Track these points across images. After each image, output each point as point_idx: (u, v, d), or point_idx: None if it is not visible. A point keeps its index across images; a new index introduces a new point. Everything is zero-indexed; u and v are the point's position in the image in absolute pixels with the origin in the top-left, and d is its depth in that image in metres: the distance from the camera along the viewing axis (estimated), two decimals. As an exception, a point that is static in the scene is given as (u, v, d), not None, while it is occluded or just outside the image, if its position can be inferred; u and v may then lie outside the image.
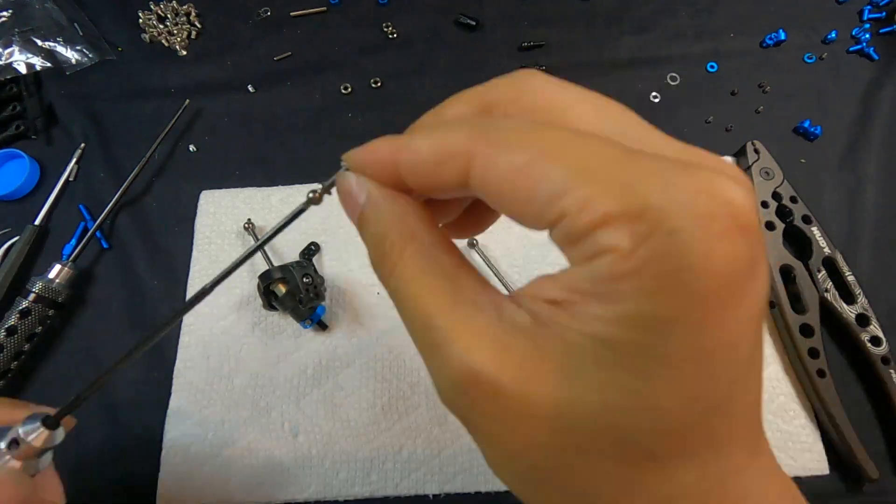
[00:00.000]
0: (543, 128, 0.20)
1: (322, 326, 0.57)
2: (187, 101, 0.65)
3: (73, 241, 0.62)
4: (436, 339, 0.20)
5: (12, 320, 0.54)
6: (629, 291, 0.17)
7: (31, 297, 0.55)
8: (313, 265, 0.58)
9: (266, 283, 0.54)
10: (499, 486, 0.51)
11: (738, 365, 0.18)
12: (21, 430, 0.31)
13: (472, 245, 0.58)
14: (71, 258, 0.58)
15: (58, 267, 0.57)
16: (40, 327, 0.55)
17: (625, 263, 0.17)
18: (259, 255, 0.58)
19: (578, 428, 0.18)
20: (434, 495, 0.51)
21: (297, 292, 0.53)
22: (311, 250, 0.60)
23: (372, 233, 0.23)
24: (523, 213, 0.19)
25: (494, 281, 0.58)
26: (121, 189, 0.61)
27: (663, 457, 0.18)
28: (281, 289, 0.54)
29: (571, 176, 0.17)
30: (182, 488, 0.52)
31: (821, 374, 0.51)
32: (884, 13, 0.68)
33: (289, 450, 0.53)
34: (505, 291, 0.57)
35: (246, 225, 0.60)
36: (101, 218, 0.60)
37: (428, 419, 0.53)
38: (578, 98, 0.22)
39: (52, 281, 0.56)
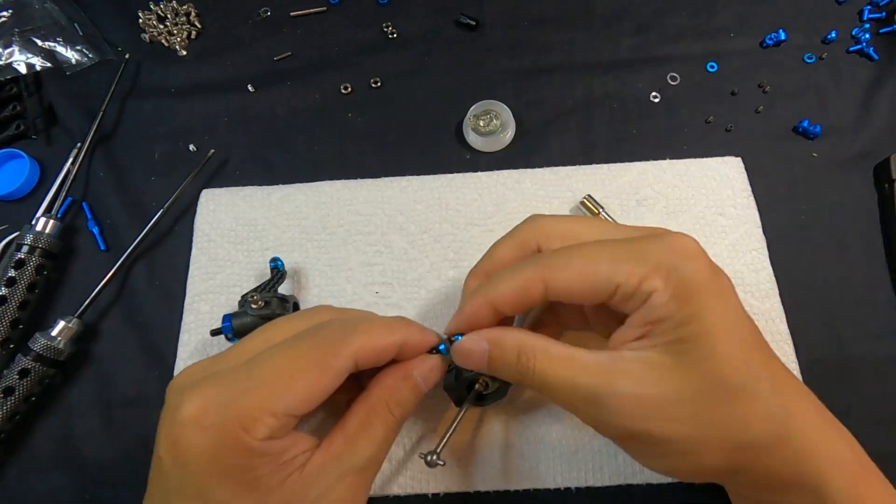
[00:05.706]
0: (578, 247, 0.34)
1: None
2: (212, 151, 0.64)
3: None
4: (595, 406, 0.32)
5: (11, 380, 0.50)
6: (673, 306, 0.31)
7: (31, 355, 0.50)
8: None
9: (470, 379, 0.44)
10: (496, 485, 0.51)
11: (750, 329, 0.33)
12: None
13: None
14: (77, 314, 0.54)
15: (62, 323, 0.53)
16: (38, 387, 0.51)
17: (665, 293, 0.31)
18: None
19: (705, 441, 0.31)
20: (434, 495, 0.51)
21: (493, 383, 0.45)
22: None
23: (506, 360, 0.34)
24: (589, 297, 0.33)
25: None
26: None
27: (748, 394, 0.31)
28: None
29: (613, 264, 0.32)
30: (182, 488, 0.52)
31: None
32: (884, 13, 0.68)
33: (288, 449, 0.53)
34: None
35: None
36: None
37: (425, 419, 0.53)
38: (574, 222, 0.37)
39: (54, 338, 0.52)
